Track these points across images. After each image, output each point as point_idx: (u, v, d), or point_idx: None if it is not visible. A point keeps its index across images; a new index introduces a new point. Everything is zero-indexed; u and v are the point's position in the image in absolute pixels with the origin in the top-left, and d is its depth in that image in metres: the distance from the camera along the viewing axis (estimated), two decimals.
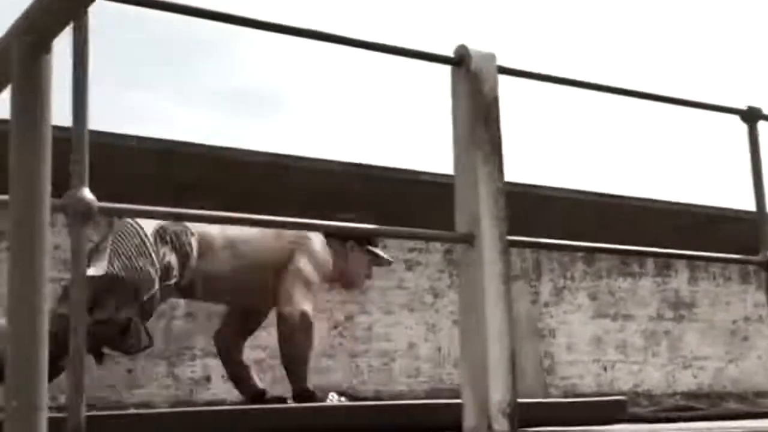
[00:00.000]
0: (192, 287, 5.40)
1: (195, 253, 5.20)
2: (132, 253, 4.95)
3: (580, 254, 8.70)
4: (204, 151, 7.96)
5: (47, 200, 1.21)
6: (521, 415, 2.69)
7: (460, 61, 2.67)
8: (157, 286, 5.01)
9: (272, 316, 5.74)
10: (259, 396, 5.71)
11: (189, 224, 5.19)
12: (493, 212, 2.59)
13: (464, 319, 2.74)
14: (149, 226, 5.11)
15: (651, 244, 3.38)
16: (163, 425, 3.58)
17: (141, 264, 4.93)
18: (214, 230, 5.29)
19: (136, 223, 5.09)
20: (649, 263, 9.07)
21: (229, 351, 5.91)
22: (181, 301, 6.89)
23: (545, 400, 4.44)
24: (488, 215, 2.58)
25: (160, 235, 5.08)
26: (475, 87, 2.63)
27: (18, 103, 1.22)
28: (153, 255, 4.99)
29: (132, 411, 6.25)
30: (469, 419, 2.67)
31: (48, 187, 1.21)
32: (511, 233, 2.75)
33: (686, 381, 9.21)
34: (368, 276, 6.16)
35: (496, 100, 2.68)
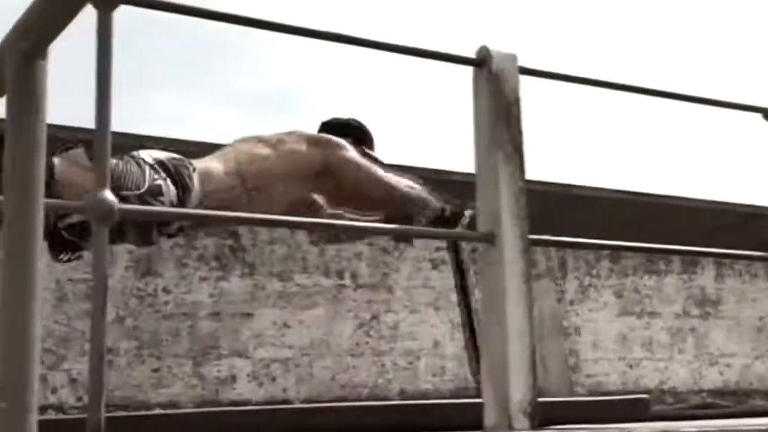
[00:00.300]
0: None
1: (197, 186, 4.90)
2: (123, 167, 4.76)
3: (605, 252, 8.68)
4: None
5: (41, 204, 1.23)
6: (542, 413, 2.70)
7: (481, 62, 2.68)
8: (139, 191, 4.72)
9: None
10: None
11: (192, 160, 4.97)
12: (515, 211, 2.60)
13: (485, 318, 2.75)
14: (149, 157, 4.91)
15: (684, 241, 3.38)
16: (189, 425, 3.60)
17: (129, 172, 4.72)
18: (217, 165, 5.00)
19: (137, 153, 4.90)
20: (675, 261, 9.04)
21: None
22: (207, 300, 6.93)
23: (566, 399, 4.44)
24: (509, 214, 2.59)
25: (154, 167, 4.88)
26: (496, 87, 2.64)
27: (13, 109, 1.23)
28: (146, 174, 4.79)
29: (158, 411, 6.29)
30: (489, 418, 2.68)
31: (41, 191, 1.23)
32: (544, 232, 2.75)
33: (712, 378, 9.18)
34: None
35: (517, 100, 2.69)
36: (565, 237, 2.96)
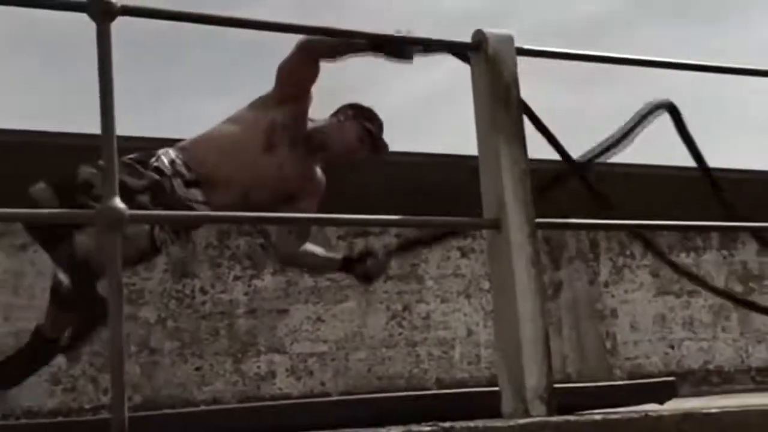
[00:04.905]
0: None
1: None
2: None
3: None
4: None
5: None
6: (562, 399, 2.66)
7: (477, 45, 2.65)
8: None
9: None
10: None
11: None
12: (519, 196, 2.57)
13: (496, 305, 2.72)
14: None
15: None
16: (233, 420, 3.59)
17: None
18: None
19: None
20: (714, 237, 8.90)
21: None
22: (242, 299, 6.97)
23: (587, 384, 4.38)
24: (514, 199, 2.56)
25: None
26: (493, 70, 2.61)
27: None
28: None
29: (203, 407, 6.32)
30: (506, 405, 2.65)
31: None
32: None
33: (760, 355, 9.03)
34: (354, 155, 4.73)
35: (516, 81, 2.66)
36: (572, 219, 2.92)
